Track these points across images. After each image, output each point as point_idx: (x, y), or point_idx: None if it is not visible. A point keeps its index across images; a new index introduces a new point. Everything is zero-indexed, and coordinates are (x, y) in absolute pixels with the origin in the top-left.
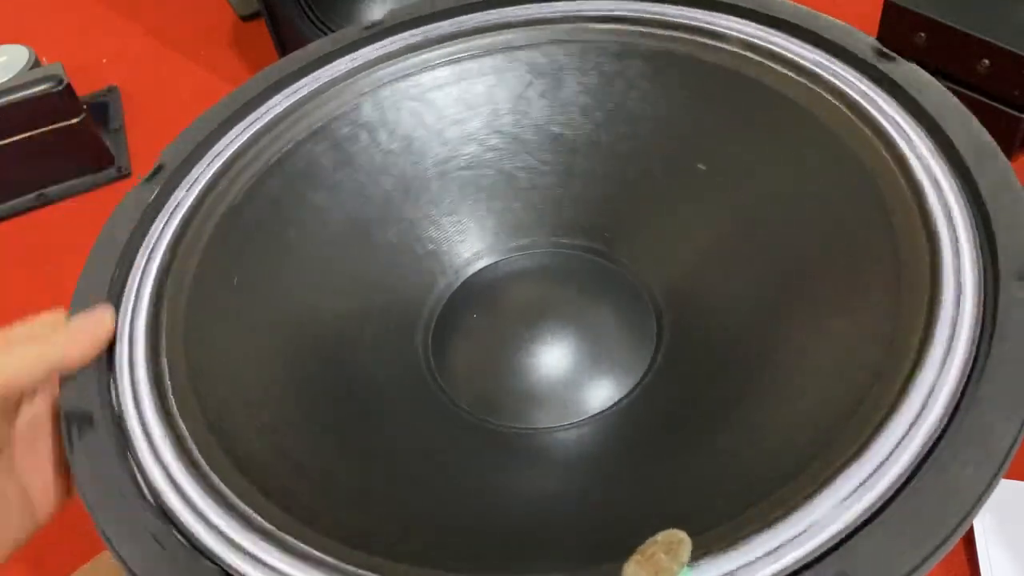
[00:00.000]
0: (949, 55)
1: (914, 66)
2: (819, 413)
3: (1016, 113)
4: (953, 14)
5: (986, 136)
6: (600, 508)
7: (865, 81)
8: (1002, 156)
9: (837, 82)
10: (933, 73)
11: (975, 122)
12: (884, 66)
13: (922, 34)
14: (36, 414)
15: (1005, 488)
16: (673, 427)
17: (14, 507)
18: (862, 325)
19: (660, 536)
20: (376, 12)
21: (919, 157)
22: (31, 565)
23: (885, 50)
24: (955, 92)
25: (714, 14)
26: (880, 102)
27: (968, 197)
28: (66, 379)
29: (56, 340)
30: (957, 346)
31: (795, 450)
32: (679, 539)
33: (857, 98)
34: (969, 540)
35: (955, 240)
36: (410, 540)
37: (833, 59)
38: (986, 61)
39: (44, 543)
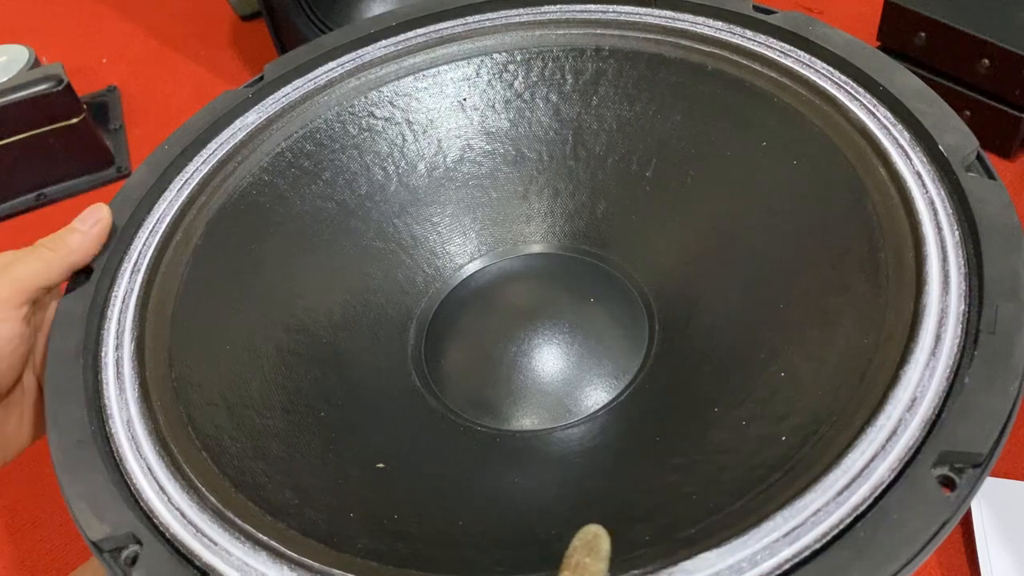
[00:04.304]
0: (949, 55)
1: (793, 11)
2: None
3: (1016, 113)
4: (953, 14)
5: (870, 48)
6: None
7: (753, 33)
8: (898, 65)
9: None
10: (933, 73)
11: (854, 39)
12: (766, 17)
13: (922, 34)
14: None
15: (1005, 488)
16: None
17: (39, 404)
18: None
19: (576, 541)
20: (375, 11)
21: (832, 80)
22: (24, 569)
23: (760, 4)
24: (955, 92)
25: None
26: (781, 48)
27: (888, 103)
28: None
29: (70, 239)
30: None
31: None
32: (594, 535)
33: (761, 50)
34: (969, 540)
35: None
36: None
37: (718, 21)
38: (986, 61)
39: (35, 547)
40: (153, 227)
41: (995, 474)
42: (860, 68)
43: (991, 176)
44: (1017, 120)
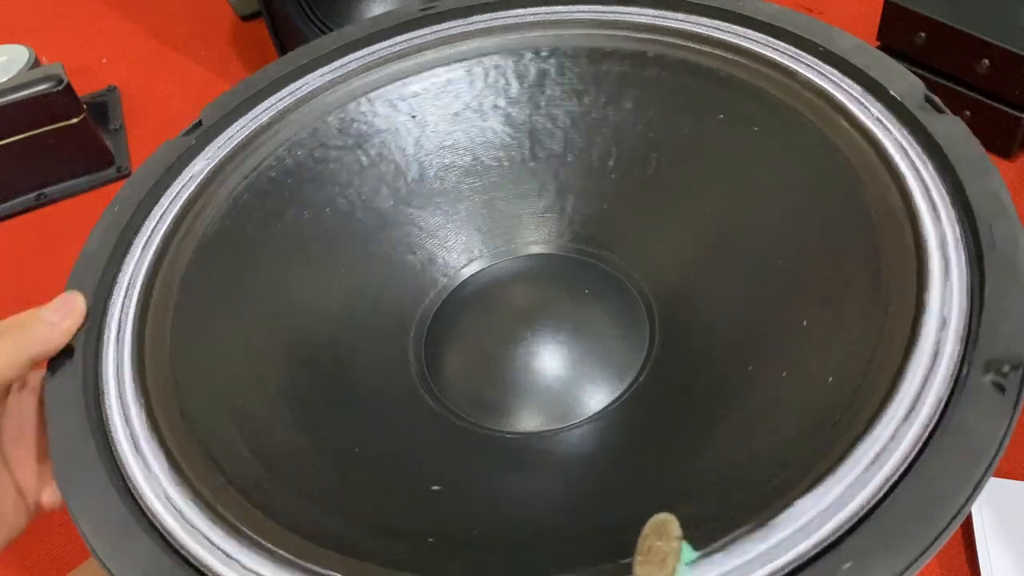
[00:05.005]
0: (949, 55)
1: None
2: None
3: (1016, 113)
4: (953, 14)
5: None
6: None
7: (685, 15)
8: (832, 27)
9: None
10: (933, 73)
11: (784, 8)
12: None
13: (922, 34)
14: (22, 407)
15: (1005, 488)
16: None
17: (9, 498)
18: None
19: (646, 529)
20: (375, 11)
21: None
22: (24, 569)
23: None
24: (955, 92)
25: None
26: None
27: (832, 61)
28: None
29: (34, 330)
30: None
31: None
32: (662, 520)
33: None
34: (969, 540)
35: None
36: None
37: (648, 8)
38: (986, 61)
39: (35, 547)
40: (127, 291)
41: (995, 474)
42: (795, 33)
43: (943, 112)
44: (1017, 120)
